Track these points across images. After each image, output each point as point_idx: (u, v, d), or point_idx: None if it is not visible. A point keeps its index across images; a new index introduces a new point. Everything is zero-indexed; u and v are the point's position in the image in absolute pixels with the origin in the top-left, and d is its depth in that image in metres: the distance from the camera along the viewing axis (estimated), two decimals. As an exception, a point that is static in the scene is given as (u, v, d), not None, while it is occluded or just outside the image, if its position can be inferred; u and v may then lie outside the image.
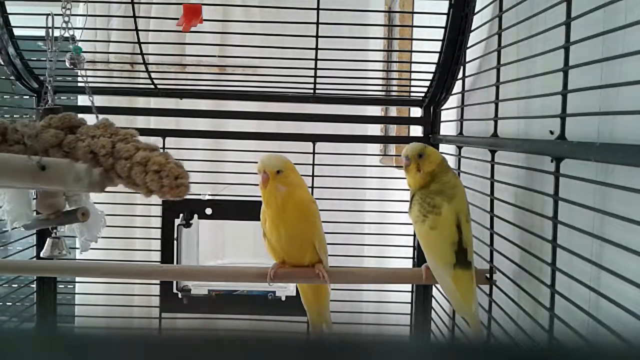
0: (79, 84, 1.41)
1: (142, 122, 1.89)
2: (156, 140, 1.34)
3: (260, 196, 1.03)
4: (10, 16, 1.25)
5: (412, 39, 1.49)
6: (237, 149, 1.33)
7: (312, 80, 1.27)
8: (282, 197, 0.98)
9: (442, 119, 1.30)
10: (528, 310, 0.79)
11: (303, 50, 1.19)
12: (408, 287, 1.32)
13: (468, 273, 0.91)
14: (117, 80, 1.46)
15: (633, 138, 0.60)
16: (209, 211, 1.26)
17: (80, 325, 1.36)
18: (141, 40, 1.22)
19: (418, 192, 0.95)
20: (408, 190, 0.99)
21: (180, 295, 1.25)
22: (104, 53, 1.96)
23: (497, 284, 0.94)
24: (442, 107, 1.28)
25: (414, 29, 1.39)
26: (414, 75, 1.34)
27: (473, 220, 0.95)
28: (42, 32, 1.04)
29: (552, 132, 0.76)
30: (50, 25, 1.03)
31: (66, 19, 1.01)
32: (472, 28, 1.12)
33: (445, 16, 1.16)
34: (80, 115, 0.94)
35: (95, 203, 1.16)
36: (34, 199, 1.07)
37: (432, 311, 1.29)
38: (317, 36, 1.18)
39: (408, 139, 1.35)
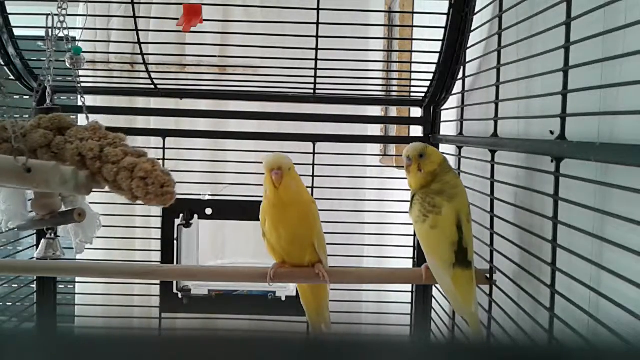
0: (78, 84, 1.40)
1: (142, 122, 1.89)
2: (156, 140, 1.35)
3: (260, 196, 1.03)
4: (10, 16, 1.25)
5: (412, 39, 1.49)
6: (237, 149, 1.33)
7: (312, 80, 1.27)
8: (292, 194, 0.98)
9: (442, 119, 1.30)
10: (528, 310, 0.79)
11: (303, 50, 1.19)
12: (408, 287, 1.32)
13: (468, 273, 0.91)
14: (117, 80, 1.46)
15: (633, 138, 0.60)
16: (209, 211, 1.26)
17: (80, 325, 1.36)
18: (141, 40, 1.22)
19: (419, 192, 0.95)
20: (408, 190, 0.99)
21: (180, 295, 1.25)
22: (104, 53, 1.96)
23: (497, 284, 0.94)
24: (442, 107, 1.28)
25: (414, 29, 1.39)
26: (414, 75, 1.34)
27: (473, 220, 0.95)
28: (42, 32, 1.04)
29: (552, 132, 0.76)
30: (50, 25, 1.03)
31: (62, 18, 1.01)
32: (472, 28, 1.12)
33: (445, 16, 1.16)
34: (80, 116, 0.94)
35: (95, 203, 1.16)
36: (29, 199, 1.07)
37: (432, 311, 1.29)
38: (317, 36, 1.18)
39: (408, 139, 1.35)
